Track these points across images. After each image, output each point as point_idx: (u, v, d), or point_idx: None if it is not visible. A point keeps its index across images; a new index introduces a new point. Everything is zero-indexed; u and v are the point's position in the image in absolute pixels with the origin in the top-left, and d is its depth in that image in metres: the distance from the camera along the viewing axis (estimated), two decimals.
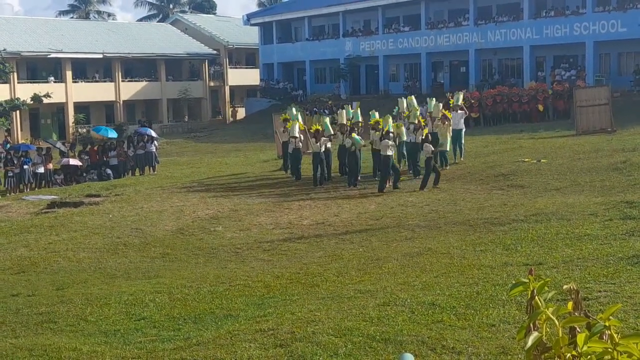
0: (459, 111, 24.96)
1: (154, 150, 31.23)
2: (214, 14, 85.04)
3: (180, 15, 73.12)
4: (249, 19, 65.10)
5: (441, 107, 24.79)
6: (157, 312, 9.92)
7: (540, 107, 38.07)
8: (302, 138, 25.33)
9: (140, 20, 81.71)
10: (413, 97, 26.26)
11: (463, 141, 24.79)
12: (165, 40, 63.34)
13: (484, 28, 48.35)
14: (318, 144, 22.94)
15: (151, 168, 31.00)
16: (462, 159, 24.34)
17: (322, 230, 15.71)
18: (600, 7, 43.12)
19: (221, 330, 8.67)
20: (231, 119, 64.68)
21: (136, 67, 60.32)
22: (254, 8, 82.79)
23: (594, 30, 42.69)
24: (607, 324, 2.77)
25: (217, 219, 18.18)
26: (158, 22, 77.50)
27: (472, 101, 38.44)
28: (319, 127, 23.90)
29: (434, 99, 26.14)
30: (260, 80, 64.03)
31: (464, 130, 25.10)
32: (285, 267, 12.42)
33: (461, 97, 26.11)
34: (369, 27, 57.82)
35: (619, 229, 12.25)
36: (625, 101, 34.61)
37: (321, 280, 10.97)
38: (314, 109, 49.28)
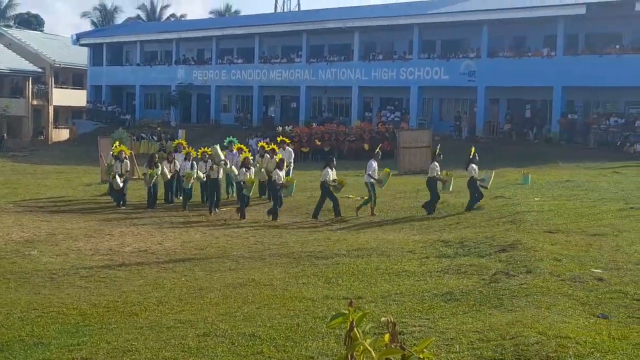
0: (287, 148, 25.35)
1: None
2: (42, 30, 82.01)
3: (5, 29, 69.89)
4: (78, 38, 63.35)
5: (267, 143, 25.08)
6: None
7: (366, 146, 39.25)
8: (129, 163, 24.87)
9: None
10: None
11: (292, 175, 25.10)
12: None
13: (316, 66, 49.48)
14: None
15: None
16: (292, 194, 24.60)
17: (145, 258, 15.32)
18: (426, 54, 45.29)
19: (30, 358, 8.22)
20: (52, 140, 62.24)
21: None
22: (87, 28, 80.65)
23: (419, 76, 44.75)
24: (421, 356, 2.84)
25: (32, 242, 17.32)
26: None
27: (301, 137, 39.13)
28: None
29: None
30: (88, 102, 62.23)
31: (292, 167, 25.45)
32: (103, 294, 11.98)
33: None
34: (203, 56, 57.74)
35: (434, 266, 12.74)
36: (444, 145, 36.27)
37: (140, 309, 10.67)
38: (142, 134, 48.42)
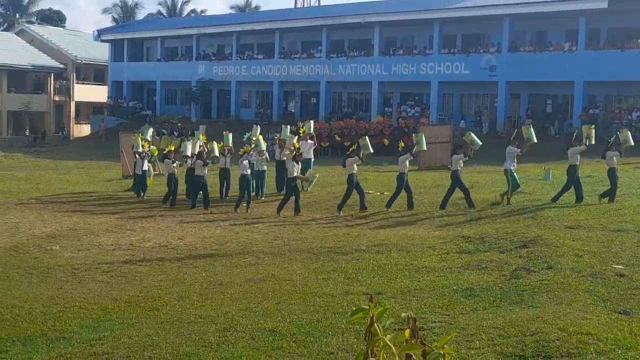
0: (309, 140, 25.27)
1: None
2: (63, 27, 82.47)
3: (27, 25, 70.37)
4: (99, 34, 63.57)
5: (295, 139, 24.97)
6: None
7: (386, 142, 39.18)
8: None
9: None
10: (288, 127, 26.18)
11: (312, 169, 25.09)
12: (9, 50, 60.64)
13: (336, 61, 49.39)
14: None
15: None
16: (309, 188, 24.59)
17: (165, 254, 15.40)
18: (446, 49, 45.11)
19: (52, 353, 8.29)
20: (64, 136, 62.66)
21: None
22: (108, 24, 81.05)
23: (439, 71, 44.55)
24: (442, 352, 2.84)
25: (54, 237, 17.47)
26: (3, 31, 74.12)
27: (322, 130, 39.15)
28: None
29: (288, 126, 26.15)
30: (108, 97, 62.53)
31: (312, 160, 25.39)
32: (124, 289, 12.07)
33: (312, 125, 26.32)
34: (223, 51, 57.80)
35: (454, 262, 12.72)
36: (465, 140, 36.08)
37: (161, 304, 10.73)
38: (163, 130, 48.58)
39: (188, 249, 15.80)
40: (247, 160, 21.82)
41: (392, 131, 40.36)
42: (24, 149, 52.56)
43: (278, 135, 24.00)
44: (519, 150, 19.67)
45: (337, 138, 40.23)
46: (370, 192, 23.10)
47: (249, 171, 21.70)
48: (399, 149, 21.41)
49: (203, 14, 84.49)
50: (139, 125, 48.66)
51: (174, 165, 22.69)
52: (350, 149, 21.32)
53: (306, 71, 50.91)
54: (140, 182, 24.70)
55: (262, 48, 55.01)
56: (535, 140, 20.32)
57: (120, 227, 18.85)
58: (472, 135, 20.73)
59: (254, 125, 26.56)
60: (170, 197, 22.77)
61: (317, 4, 69.86)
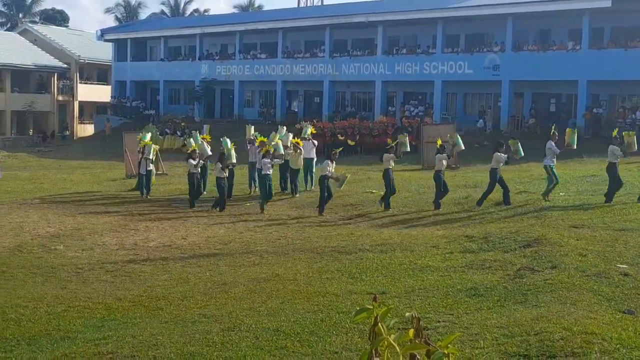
0: (310, 141, 25.32)
1: None
2: (66, 26, 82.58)
3: (30, 25, 70.42)
4: (102, 34, 63.61)
5: (291, 137, 24.98)
6: None
7: (389, 141, 39.12)
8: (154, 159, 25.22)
9: None
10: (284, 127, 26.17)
11: (314, 170, 25.08)
12: (12, 50, 60.69)
13: (339, 60, 49.38)
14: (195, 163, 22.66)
15: None
16: (312, 187, 24.60)
17: (169, 253, 15.42)
18: (449, 49, 45.07)
19: (57, 352, 8.30)
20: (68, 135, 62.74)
21: None
22: (111, 23, 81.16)
23: (443, 70, 44.52)
24: (446, 351, 2.84)
25: (58, 237, 17.49)
26: (6, 31, 74.17)
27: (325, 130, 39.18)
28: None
29: (284, 127, 26.23)
30: (112, 97, 62.59)
31: (315, 159, 25.38)
32: (128, 289, 12.08)
33: (309, 130, 26.20)
34: (226, 51, 57.81)
35: (458, 261, 12.72)
36: (468, 140, 36.09)
37: (165, 304, 10.75)
38: (166, 130, 48.62)
39: (192, 249, 15.81)
40: (269, 159, 21.48)
41: (396, 131, 40.33)
42: (28, 148, 52.63)
43: (274, 133, 23.95)
44: (559, 150, 19.41)
45: (340, 137, 40.22)
46: (374, 191, 23.11)
47: (271, 171, 21.63)
48: (389, 147, 21.27)
49: (206, 14, 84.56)
50: (143, 125, 48.73)
51: (197, 164, 22.45)
52: (390, 145, 21.19)
53: (309, 70, 50.91)
54: (144, 182, 24.73)
55: (265, 47, 55.01)
56: (575, 147, 19.99)
57: (124, 227, 18.87)
58: (519, 145, 20.36)
59: (247, 125, 26.64)
60: (191, 197, 22.62)
61: (320, 4, 69.87)
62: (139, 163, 25.53)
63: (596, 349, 7.15)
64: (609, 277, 10.43)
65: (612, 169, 18.67)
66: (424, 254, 13.54)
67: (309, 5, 69.10)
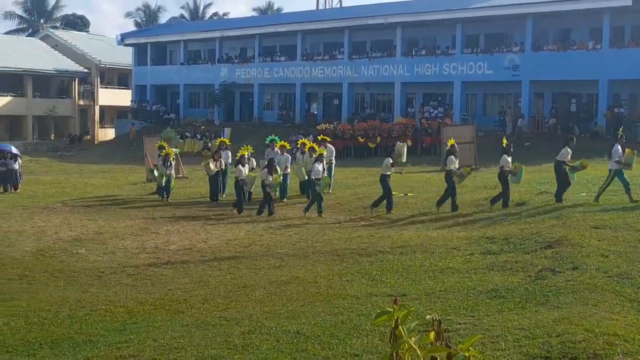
0: (328, 145, 25.30)
1: (17, 167, 29.99)
2: (87, 31, 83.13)
3: (51, 30, 71.02)
4: (123, 39, 64.00)
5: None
6: (11, 336, 9.47)
7: (409, 142, 39.10)
8: (173, 163, 25.31)
9: (8, 33, 78.53)
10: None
11: (333, 172, 25.08)
12: (34, 55, 61.28)
13: (358, 62, 49.37)
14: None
15: (12, 186, 29.70)
16: (330, 190, 24.59)
17: (189, 256, 15.47)
18: (469, 49, 44.93)
19: (79, 356, 8.35)
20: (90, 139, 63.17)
21: (1, 81, 57.94)
22: (131, 28, 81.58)
23: (462, 71, 44.40)
24: (467, 354, 2.83)
25: (80, 241, 17.61)
26: (27, 36, 74.81)
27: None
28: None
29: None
30: (132, 101, 62.91)
31: (334, 163, 25.34)
32: (149, 292, 12.14)
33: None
34: (246, 54, 57.97)
35: (479, 263, 12.66)
36: (489, 140, 36.00)
37: (186, 307, 10.78)
38: (186, 133, 48.81)
39: (212, 252, 15.86)
40: (320, 162, 20.94)
41: (415, 132, 40.28)
42: (49, 153, 53.03)
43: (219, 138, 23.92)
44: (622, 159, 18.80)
45: (360, 139, 40.21)
46: (394, 193, 23.06)
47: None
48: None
49: (225, 17, 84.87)
50: (163, 128, 48.96)
51: (244, 170, 21.97)
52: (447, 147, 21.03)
53: (328, 73, 50.95)
54: (164, 185, 24.84)
55: (284, 50, 55.11)
56: (632, 169, 19.28)
57: (145, 230, 18.96)
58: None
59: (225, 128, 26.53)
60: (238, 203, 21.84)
61: (339, 6, 69.89)
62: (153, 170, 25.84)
63: (619, 350, 7.10)
64: (632, 278, 10.35)
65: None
66: (445, 256, 13.50)
67: (327, 7, 69.14)
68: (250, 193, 23.12)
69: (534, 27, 42.13)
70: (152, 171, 25.65)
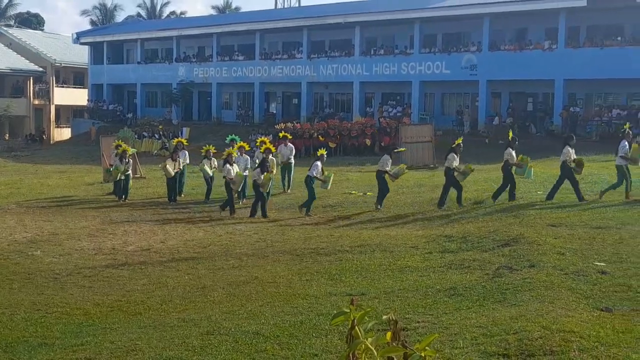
0: (289, 144, 25.28)
1: None
2: (42, 30, 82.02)
3: (5, 29, 69.89)
4: (78, 37, 63.29)
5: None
6: None
7: (368, 142, 39.24)
8: (131, 162, 25.06)
9: None
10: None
11: (293, 172, 25.05)
12: None
13: (317, 62, 49.42)
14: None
15: None
16: (289, 190, 24.57)
17: (147, 257, 15.32)
18: (427, 49, 45.22)
19: (35, 359, 8.21)
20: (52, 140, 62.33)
21: None
22: (87, 26, 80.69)
23: (420, 71, 44.69)
24: (423, 354, 2.82)
25: (35, 242, 17.33)
26: None
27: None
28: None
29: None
30: (89, 100, 62.21)
31: (293, 163, 25.30)
32: (106, 294, 11.99)
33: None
34: (204, 53, 57.69)
35: (437, 261, 12.73)
36: (447, 139, 36.20)
37: (144, 309, 10.68)
38: (144, 133, 48.41)
39: (170, 252, 15.72)
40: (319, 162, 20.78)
41: (374, 131, 40.42)
42: (4, 153, 52.19)
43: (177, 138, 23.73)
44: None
45: (321, 138, 40.22)
46: (353, 192, 23.12)
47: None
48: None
49: (183, 16, 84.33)
50: (120, 128, 48.49)
51: (233, 169, 21.40)
52: (453, 145, 20.86)
53: (287, 72, 50.93)
54: (123, 186, 24.61)
55: (242, 49, 54.94)
56: (639, 164, 18.99)
57: (102, 231, 18.74)
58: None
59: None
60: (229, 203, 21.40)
61: (297, 5, 69.88)
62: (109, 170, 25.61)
63: (574, 347, 7.17)
64: (587, 275, 10.48)
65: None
66: (403, 255, 13.55)
67: (286, 6, 69.08)
68: (244, 192, 22.66)
69: (491, 27, 42.57)
70: (109, 171, 25.44)
